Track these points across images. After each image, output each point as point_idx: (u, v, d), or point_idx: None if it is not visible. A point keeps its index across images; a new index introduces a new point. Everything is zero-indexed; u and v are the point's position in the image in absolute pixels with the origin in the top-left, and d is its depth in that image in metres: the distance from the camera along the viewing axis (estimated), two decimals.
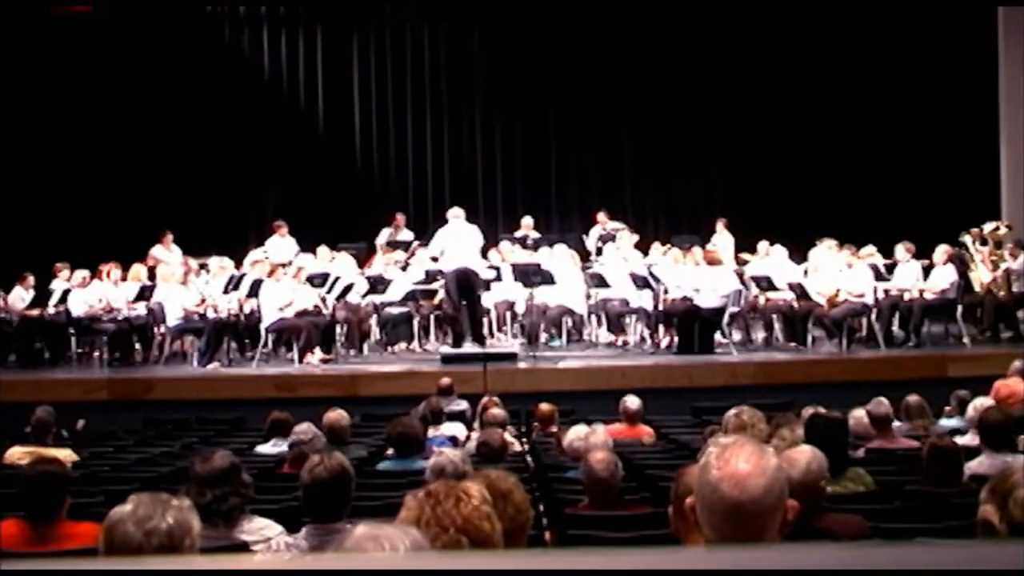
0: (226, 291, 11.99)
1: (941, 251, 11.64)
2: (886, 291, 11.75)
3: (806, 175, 15.57)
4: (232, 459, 4.14)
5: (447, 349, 11.55)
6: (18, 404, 8.70)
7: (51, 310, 12.04)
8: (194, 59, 15.97)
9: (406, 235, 14.57)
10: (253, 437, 8.43)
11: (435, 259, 11.73)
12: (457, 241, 11.28)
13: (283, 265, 12.45)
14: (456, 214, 11.51)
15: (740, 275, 12.10)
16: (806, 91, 15.71)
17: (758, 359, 11.23)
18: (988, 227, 12.37)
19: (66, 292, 11.95)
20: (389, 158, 17.02)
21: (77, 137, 15.07)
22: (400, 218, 14.93)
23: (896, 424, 6.89)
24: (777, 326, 12.22)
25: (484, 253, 12.40)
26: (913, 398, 7.34)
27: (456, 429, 7.81)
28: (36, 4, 14.75)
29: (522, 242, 13.85)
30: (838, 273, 11.56)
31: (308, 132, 16.79)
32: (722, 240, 14.04)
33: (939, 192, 14.62)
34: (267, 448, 7.21)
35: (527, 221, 14.75)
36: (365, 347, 12.50)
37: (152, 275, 12.53)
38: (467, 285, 11.27)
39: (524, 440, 8.18)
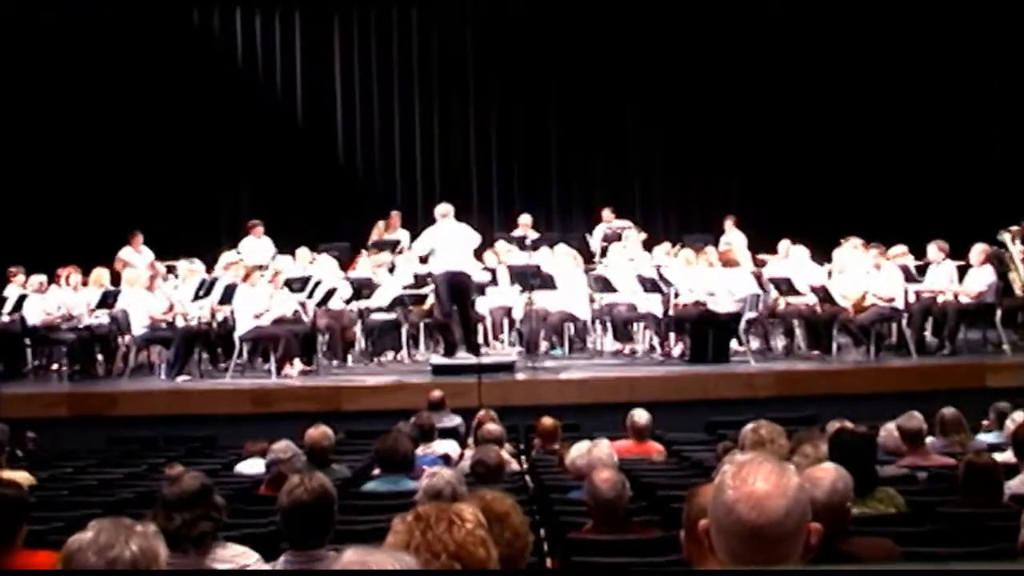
0: (196, 297, 11.98)
1: (978, 250, 11.63)
2: (918, 294, 11.75)
3: (830, 168, 15.57)
4: (203, 480, 4.14)
5: (438, 359, 11.55)
6: None
7: (4, 318, 12.01)
8: (161, 45, 15.92)
9: (401, 235, 14.45)
10: (227, 456, 8.44)
11: (423, 260, 11.69)
12: (447, 241, 11.25)
13: (259, 268, 12.44)
14: (444, 212, 11.43)
15: (758, 277, 12.10)
16: (829, 78, 15.73)
17: (778, 369, 11.23)
18: None
19: (21, 299, 11.93)
20: (374, 151, 17.01)
21: (32, 131, 15.02)
22: (395, 216, 14.85)
23: (929, 440, 6.89)
24: (798, 332, 12.22)
25: (479, 254, 12.41)
26: (949, 411, 7.31)
27: (448, 447, 7.80)
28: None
29: (520, 242, 13.83)
30: (865, 275, 11.57)
31: (286, 123, 16.78)
32: (733, 239, 14.05)
33: (975, 187, 14.63)
34: (245, 467, 7.20)
35: (525, 219, 14.74)
36: (349, 357, 12.50)
37: (115, 280, 12.51)
38: (459, 289, 11.25)
39: (523, 458, 8.18)
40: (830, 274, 12.25)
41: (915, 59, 15.35)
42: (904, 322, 11.51)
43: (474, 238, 11.53)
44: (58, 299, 12.07)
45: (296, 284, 12.27)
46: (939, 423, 7.22)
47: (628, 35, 16.35)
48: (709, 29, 16.31)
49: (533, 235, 14.20)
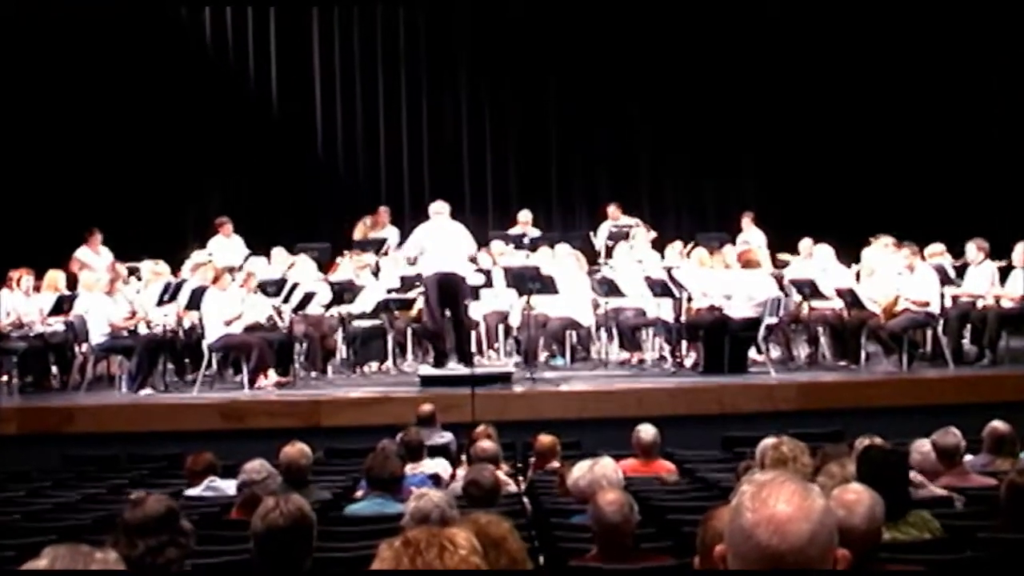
0: (161, 302, 11.97)
1: (1020, 250, 11.65)
2: (955, 298, 11.76)
3: (856, 160, 15.61)
4: (169, 503, 4.13)
5: (427, 370, 11.55)
6: None
7: None
8: (126, 35, 15.91)
9: (389, 233, 14.40)
10: None
11: (412, 262, 11.72)
12: (439, 241, 11.27)
13: (230, 270, 12.44)
14: (438, 209, 11.50)
15: (779, 280, 12.11)
16: (856, 63, 15.76)
17: (801, 380, 11.24)
18: None
19: None
20: (357, 142, 17.02)
21: None
22: (383, 212, 14.78)
23: (968, 458, 6.88)
24: (823, 340, 12.23)
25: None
26: (1001, 425, 7.12)
27: (439, 466, 7.81)
28: None
29: (518, 241, 13.86)
30: (897, 277, 11.57)
31: (259, 114, 16.80)
32: (751, 238, 14.05)
33: (1016, 181, 14.65)
34: (198, 492, 7.15)
35: (524, 216, 14.77)
36: (329, 368, 12.50)
37: (72, 283, 12.50)
38: (451, 293, 11.27)
39: (520, 478, 8.18)
40: (858, 276, 12.26)
41: (952, 42, 15.36)
42: (940, 329, 11.51)
43: (468, 240, 11.54)
44: (8, 304, 12.04)
45: (271, 287, 12.26)
46: (988, 439, 7.15)
47: (634, 17, 16.37)
48: (724, 15, 16.32)
49: (532, 233, 14.24)
